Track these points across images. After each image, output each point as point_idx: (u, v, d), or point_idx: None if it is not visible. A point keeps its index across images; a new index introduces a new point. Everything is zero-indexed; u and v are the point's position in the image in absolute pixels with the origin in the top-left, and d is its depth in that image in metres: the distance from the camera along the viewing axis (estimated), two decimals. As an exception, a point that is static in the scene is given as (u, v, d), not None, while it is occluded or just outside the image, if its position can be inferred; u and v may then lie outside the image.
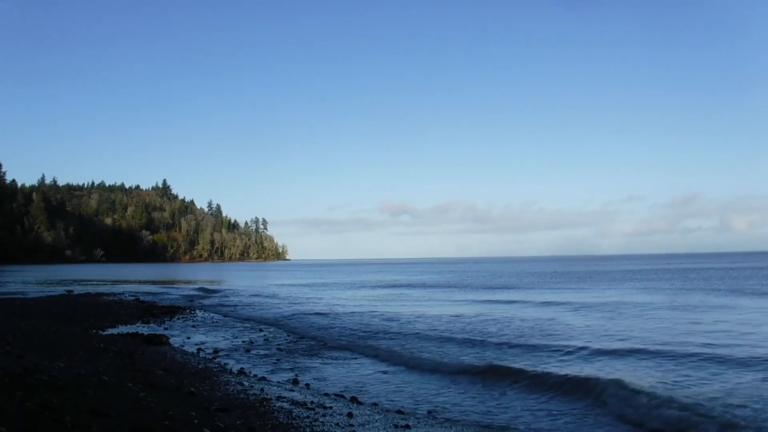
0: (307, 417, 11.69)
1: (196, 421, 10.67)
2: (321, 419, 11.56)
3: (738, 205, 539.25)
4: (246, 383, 15.05)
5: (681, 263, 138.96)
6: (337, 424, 11.21)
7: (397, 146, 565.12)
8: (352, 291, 54.38)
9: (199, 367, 17.18)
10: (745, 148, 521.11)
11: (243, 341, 22.58)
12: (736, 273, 76.53)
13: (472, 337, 21.67)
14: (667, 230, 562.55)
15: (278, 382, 15.76)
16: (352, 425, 11.22)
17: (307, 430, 10.76)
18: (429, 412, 12.79)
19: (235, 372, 16.73)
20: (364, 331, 24.37)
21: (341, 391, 14.68)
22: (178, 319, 30.60)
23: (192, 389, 13.90)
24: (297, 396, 13.89)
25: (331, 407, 12.66)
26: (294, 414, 11.90)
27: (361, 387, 15.29)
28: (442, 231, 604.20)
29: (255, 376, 16.47)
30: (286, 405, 12.70)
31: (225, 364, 17.88)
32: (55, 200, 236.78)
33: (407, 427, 11.12)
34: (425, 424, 11.62)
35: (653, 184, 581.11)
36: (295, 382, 15.82)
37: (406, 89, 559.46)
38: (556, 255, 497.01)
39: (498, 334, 22.37)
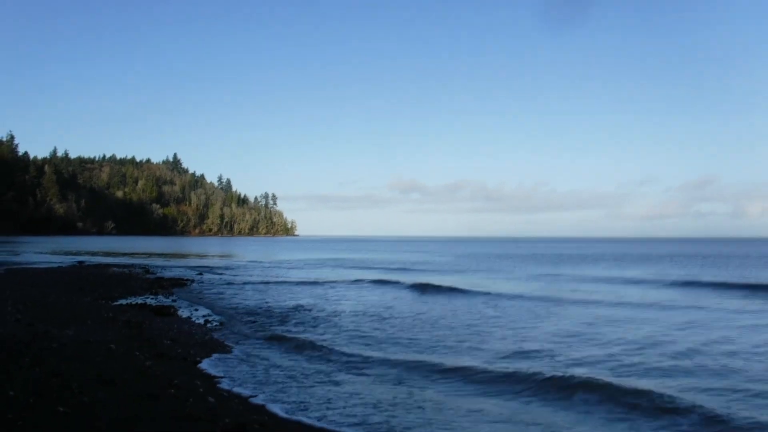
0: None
1: (201, 390, 10.91)
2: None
3: (754, 192, 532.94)
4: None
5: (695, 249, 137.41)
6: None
7: (408, 123, 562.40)
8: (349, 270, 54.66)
9: (206, 338, 17.43)
10: (763, 134, 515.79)
11: (247, 313, 22.82)
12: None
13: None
14: (680, 214, 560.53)
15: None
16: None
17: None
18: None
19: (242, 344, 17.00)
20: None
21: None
22: (186, 291, 30.89)
23: (198, 359, 14.16)
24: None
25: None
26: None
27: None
28: (453, 209, 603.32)
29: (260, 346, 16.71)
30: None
31: (231, 335, 18.09)
32: (67, 173, 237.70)
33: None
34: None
35: (668, 168, 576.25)
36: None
37: (418, 65, 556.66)
38: (568, 236, 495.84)
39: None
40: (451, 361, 14.07)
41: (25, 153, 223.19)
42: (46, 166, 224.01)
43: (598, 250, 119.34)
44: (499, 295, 28.91)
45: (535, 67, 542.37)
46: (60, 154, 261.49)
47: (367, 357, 14.51)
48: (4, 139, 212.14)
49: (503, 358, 14.82)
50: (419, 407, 10.57)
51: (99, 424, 7.94)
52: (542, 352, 15.53)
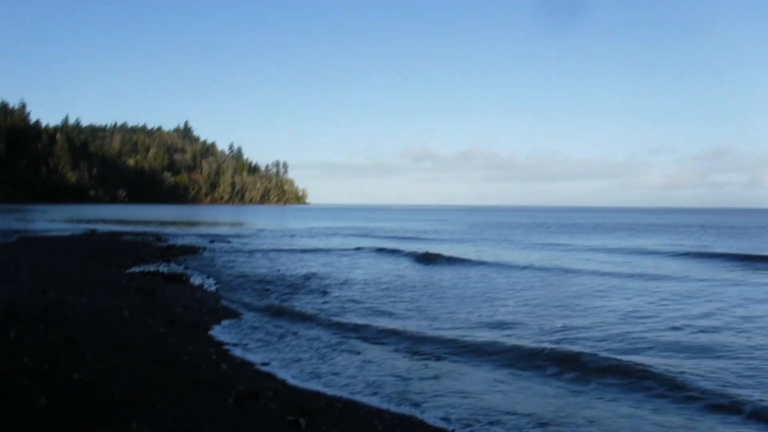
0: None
1: (213, 357, 10.94)
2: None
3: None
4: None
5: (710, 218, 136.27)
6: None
7: (420, 90, 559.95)
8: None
9: (217, 305, 17.48)
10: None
11: (259, 281, 22.86)
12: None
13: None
14: (695, 184, 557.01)
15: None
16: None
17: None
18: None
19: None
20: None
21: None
22: (198, 259, 30.99)
23: (210, 326, 14.20)
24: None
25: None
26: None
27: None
28: (465, 178, 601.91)
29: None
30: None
31: (243, 303, 18.13)
32: (79, 141, 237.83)
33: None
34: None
35: (682, 137, 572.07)
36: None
37: (430, 33, 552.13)
38: (581, 206, 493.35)
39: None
40: (463, 334, 13.98)
41: (37, 121, 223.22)
42: (58, 134, 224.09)
43: (611, 219, 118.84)
44: (512, 266, 28.61)
45: (549, 33, 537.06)
46: (71, 122, 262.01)
47: (380, 327, 14.41)
48: (16, 107, 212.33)
49: (518, 330, 14.74)
50: (434, 377, 10.55)
51: (113, 391, 7.94)
52: (553, 327, 15.44)
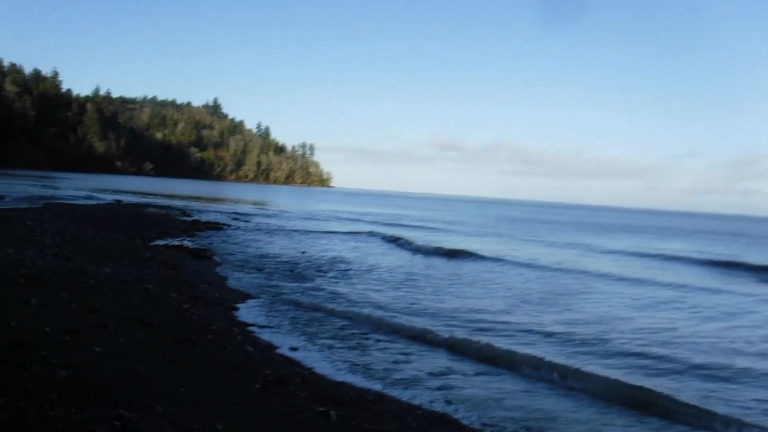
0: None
1: (239, 337, 10.57)
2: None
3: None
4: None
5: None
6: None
7: (450, 79, 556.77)
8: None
9: (242, 284, 17.14)
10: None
11: (284, 262, 22.48)
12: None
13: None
14: (724, 190, 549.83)
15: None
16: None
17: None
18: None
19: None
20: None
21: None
22: (222, 235, 30.72)
23: (235, 305, 13.85)
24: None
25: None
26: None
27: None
28: (491, 171, 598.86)
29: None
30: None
31: (268, 283, 17.76)
32: (108, 112, 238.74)
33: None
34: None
35: (713, 142, 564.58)
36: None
37: (464, 22, 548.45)
38: (606, 205, 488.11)
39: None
40: (494, 338, 13.45)
41: (68, 90, 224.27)
42: (88, 104, 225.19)
43: (637, 221, 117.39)
44: (539, 266, 27.06)
45: (582, 29, 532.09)
46: (102, 93, 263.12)
47: (412, 320, 13.82)
48: (49, 76, 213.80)
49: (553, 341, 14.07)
50: (465, 375, 10.11)
51: (136, 368, 7.58)
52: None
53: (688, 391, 9.54)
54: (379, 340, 11.76)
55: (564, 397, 9.28)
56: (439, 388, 9.23)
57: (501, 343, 11.65)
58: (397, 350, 11.13)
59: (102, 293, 12.10)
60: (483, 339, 11.91)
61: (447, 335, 12.13)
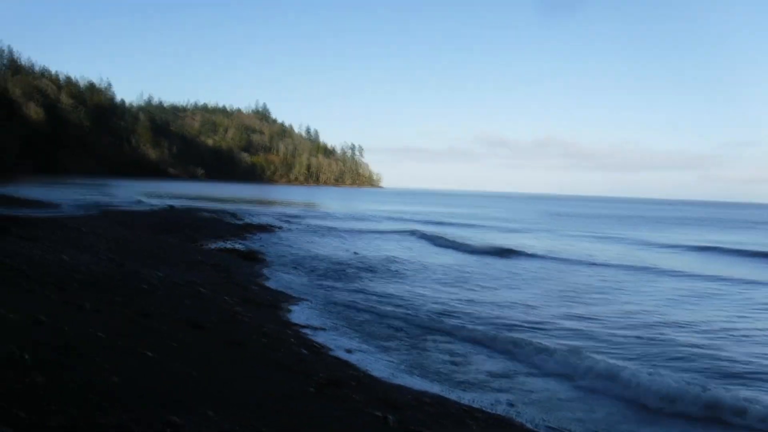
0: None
1: (291, 339, 10.38)
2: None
3: None
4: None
5: None
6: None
7: (496, 75, 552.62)
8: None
9: (294, 285, 17.00)
10: None
11: (337, 262, 22.31)
12: None
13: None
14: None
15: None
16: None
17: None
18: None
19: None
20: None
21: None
22: (274, 237, 30.74)
23: (287, 307, 13.70)
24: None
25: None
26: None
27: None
28: (541, 166, 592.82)
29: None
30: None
31: (321, 284, 17.60)
32: (160, 120, 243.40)
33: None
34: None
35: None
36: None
37: (507, 16, 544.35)
38: (660, 198, 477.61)
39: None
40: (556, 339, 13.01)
41: (121, 100, 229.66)
42: (141, 113, 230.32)
43: (693, 213, 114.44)
44: (596, 263, 25.98)
45: (625, 19, 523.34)
46: (154, 102, 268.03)
47: (468, 320, 13.44)
48: (103, 87, 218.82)
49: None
50: (528, 374, 9.75)
51: (188, 372, 7.44)
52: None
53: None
54: (435, 341, 11.45)
55: (630, 403, 8.82)
56: (500, 390, 8.90)
57: (562, 345, 11.21)
58: (455, 351, 10.82)
59: (155, 297, 12.07)
60: (544, 340, 11.52)
61: (506, 335, 11.77)
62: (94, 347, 7.78)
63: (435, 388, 8.79)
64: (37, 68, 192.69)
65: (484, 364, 10.21)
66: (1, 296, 9.99)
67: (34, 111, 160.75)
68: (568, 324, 13.38)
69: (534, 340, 11.44)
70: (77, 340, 7.92)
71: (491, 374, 9.61)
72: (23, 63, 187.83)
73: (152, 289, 12.83)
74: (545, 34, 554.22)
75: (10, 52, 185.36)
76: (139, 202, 56.07)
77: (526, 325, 13.12)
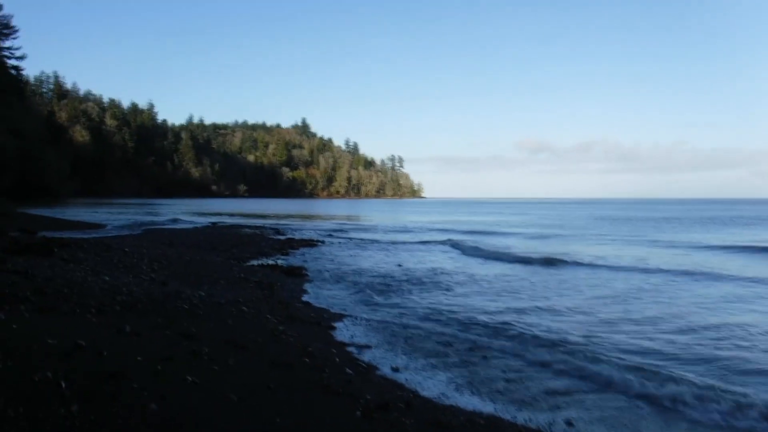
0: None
1: (336, 359, 9.99)
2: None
3: None
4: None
5: None
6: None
7: (536, 80, 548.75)
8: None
9: (339, 301, 16.65)
10: None
11: (382, 275, 21.89)
12: None
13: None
14: None
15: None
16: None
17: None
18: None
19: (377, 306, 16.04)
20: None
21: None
22: (317, 252, 30.51)
23: (332, 324, 13.34)
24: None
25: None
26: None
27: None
28: (584, 170, 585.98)
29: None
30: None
31: (366, 298, 17.22)
32: (202, 138, 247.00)
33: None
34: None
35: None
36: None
37: (543, 21, 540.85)
38: (710, 198, 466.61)
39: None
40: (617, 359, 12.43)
41: (164, 120, 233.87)
42: (183, 133, 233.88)
43: (749, 212, 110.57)
44: (655, 270, 24.23)
45: (668, 19, 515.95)
46: (195, 121, 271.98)
47: (524, 334, 12.77)
48: (145, 108, 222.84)
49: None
50: (587, 392, 9.21)
51: (230, 397, 7.09)
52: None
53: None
54: (486, 357, 10.92)
55: (697, 424, 8.22)
56: (557, 408, 8.38)
57: (626, 360, 10.62)
58: (508, 367, 10.28)
59: (197, 317, 11.81)
60: (602, 353, 10.97)
61: (562, 348, 11.24)
62: (133, 372, 7.49)
63: (488, 408, 8.33)
64: (82, 92, 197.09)
65: (538, 380, 9.68)
66: (41, 320, 9.83)
67: (80, 134, 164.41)
68: (625, 337, 12.76)
69: (591, 354, 10.89)
70: (115, 365, 7.65)
71: (548, 391, 9.10)
72: (69, 87, 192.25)
73: (194, 309, 12.59)
74: (586, 37, 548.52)
75: (56, 77, 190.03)
76: (183, 221, 56.46)
77: (581, 338, 12.52)
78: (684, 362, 10.59)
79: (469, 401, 8.58)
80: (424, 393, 8.80)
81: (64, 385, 6.74)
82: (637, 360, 10.58)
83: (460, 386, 9.22)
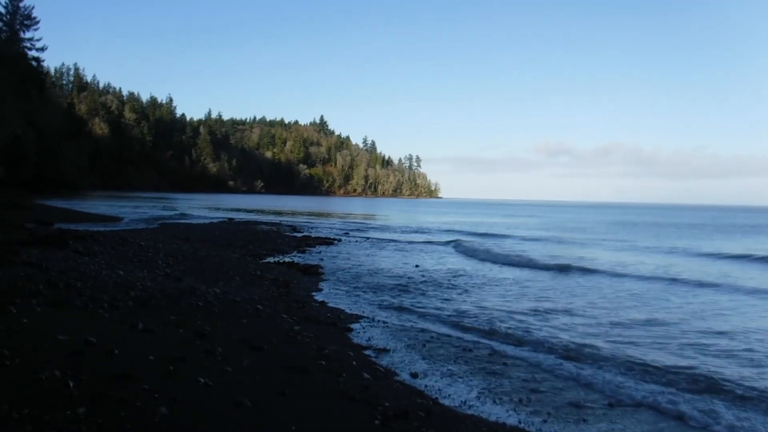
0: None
1: (354, 362, 9.67)
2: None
3: None
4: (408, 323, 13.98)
5: None
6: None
7: (556, 83, 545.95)
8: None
9: (356, 301, 16.34)
10: None
11: (399, 276, 21.54)
12: None
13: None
14: None
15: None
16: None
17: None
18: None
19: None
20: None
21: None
22: (334, 250, 30.23)
23: (348, 325, 13.02)
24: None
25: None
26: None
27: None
28: (603, 174, 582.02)
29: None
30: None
31: (382, 299, 16.88)
32: (220, 133, 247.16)
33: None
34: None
35: None
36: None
37: (563, 23, 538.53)
38: (731, 205, 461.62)
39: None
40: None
41: (183, 115, 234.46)
42: (201, 127, 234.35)
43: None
44: (680, 281, 22.85)
45: (687, 21, 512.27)
46: (214, 116, 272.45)
47: (541, 343, 12.54)
48: (164, 102, 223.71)
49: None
50: (609, 405, 8.83)
51: (243, 402, 6.79)
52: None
53: None
54: (507, 364, 10.55)
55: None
56: (583, 422, 8.02)
57: (644, 367, 10.26)
58: (531, 376, 9.90)
59: (211, 315, 11.55)
60: (622, 363, 10.61)
61: (585, 361, 10.87)
62: (144, 373, 7.23)
63: (512, 419, 7.98)
64: (101, 85, 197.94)
65: (562, 390, 9.32)
66: (53, 315, 9.59)
67: (99, 127, 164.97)
68: (645, 349, 12.36)
69: (614, 365, 10.54)
70: (126, 365, 7.40)
71: (572, 403, 8.73)
72: (88, 80, 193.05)
73: (208, 306, 12.32)
74: (606, 40, 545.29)
75: (77, 69, 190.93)
76: (200, 216, 56.36)
77: (603, 347, 12.13)
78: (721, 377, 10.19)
79: (492, 411, 8.23)
80: (445, 401, 8.47)
81: (71, 385, 6.48)
82: (664, 376, 10.17)
83: (482, 395, 8.88)
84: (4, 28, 77.97)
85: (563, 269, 25.55)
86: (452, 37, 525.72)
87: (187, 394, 6.78)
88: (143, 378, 7.01)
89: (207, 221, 47.83)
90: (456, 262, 27.85)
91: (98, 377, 6.83)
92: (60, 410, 5.85)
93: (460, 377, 9.66)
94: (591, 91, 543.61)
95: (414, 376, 9.52)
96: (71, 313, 9.90)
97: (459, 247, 35.50)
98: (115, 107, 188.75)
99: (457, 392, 8.92)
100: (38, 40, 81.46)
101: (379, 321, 13.80)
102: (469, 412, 8.15)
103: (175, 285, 14.53)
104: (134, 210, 60.12)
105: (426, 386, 9.06)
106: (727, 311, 16.79)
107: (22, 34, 79.57)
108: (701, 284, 22.17)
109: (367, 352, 10.77)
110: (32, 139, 65.70)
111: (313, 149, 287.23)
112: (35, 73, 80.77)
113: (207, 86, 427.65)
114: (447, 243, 38.53)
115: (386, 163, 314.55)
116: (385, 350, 11.02)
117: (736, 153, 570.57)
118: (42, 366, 6.84)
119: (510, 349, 11.64)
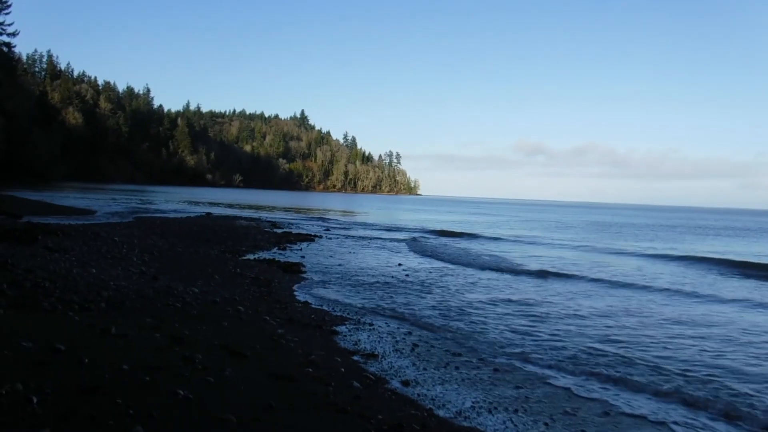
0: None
1: (342, 369, 9.13)
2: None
3: None
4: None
5: None
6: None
7: (535, 83, 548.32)
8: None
9: (339, 303, 15.77)
10: None
11: (382, 275, 21.01)
12: None
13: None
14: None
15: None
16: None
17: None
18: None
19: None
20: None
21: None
22: (315, 247, 29.60)
23: (334, 328, 12.45)
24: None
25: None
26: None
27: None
28: (578, 174, 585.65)
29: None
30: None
31: (367, 300, 16.32)
32: (199, 126, 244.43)
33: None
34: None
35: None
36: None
37: (543, 25, 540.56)
38: (698, 206, 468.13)
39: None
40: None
41: (160, 106, 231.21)
42: (179, 119, 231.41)
43: (738, 222, 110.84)
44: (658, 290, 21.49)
45: (667, 29, 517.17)
46: (192, 108, 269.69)
47: (531, 348, 12.14)
48: (141, 92, 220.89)
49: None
50: (605, 413, 8.38)
51: (225, 418, 6.20)
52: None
53: None
54: (498, 370, 10.10)
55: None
56: (581, 428, 7.56)
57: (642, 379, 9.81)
58: (524, 384, 9.45)
59: (190, 317, 10.94)
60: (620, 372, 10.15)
61: (573, 368, 10.45)
62: (117, 385, 6.61)
63: (510, 431, 7.49)
64: (75, 73, 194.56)
65: (553, 397, 8.88)
66: (17, 319, 8.92)
67: (72, 116, 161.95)
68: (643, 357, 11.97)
69: (614, 372, 10.10)
70: (96, 375, 6.79)
71: (566, 412, 8.27)
72: (62, 68, 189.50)
73: (187, 308, 11.71)
74: (584, 43, 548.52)
75: (50, 56, 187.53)
76: (177, 210, 55.39)
77: (600, 356, 11.70)
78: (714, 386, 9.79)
79: (489, 422, 7.74)
80: (440, 412, 7.96)
81: (35, 400, 5.85)
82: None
83: (477, 404, 8.40)
84: (-28, 11, 76.13)
85: (551, 275, 24.85)
86: (433, 36, 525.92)
87: (164, 410, 6.17)
88: (116, 391, 6.40)
89: (184, 215, 46.86)
90: (436, 261, 27.30)
91: (66, 391, 6.21)
92: (21, 431, 5.23)
93: (452, 384, 9.26)
94: (568, 93, 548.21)
95: (405, 384, 9.01)
96: (38, 317, 9.25)
97: (440, 246, 35.05)
98: (90, 96, 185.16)
99: (452, 401, 8.45)
100: (9, 24, 79.38)
101: (365, 323, 13.24)
102: (467, 423, 7.67)
103: (151, 284, 13.89)
104: (108, 203, 58.92)
105: (419, 395, 8.56)
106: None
107: (-8, 18, 77.71)
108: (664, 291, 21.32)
109: (355, 358, 10.23)
110: (1, 125, 64.06)
111: (293, 144, 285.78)
112: (6, 58, 78.93)
113: (186, 77, 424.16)
114: (427, 241, 38.10)
115: (366, 159, 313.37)
116: (373, 355, 10.48)
117: (705, 156, 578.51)
118: (2, 379, 6.19)
119: (498, 353, 11.17)
